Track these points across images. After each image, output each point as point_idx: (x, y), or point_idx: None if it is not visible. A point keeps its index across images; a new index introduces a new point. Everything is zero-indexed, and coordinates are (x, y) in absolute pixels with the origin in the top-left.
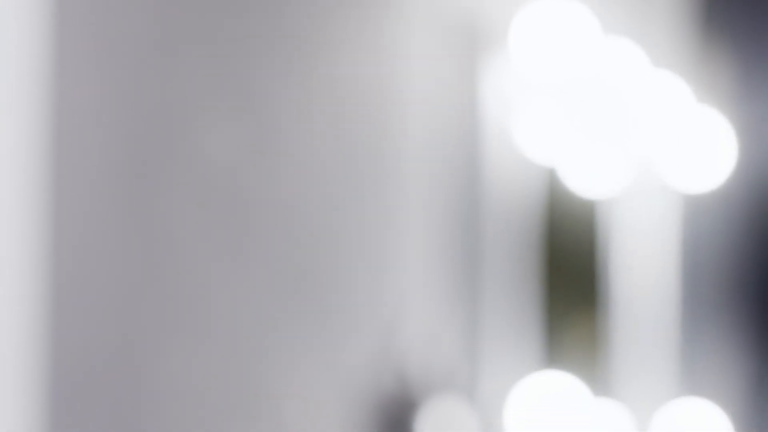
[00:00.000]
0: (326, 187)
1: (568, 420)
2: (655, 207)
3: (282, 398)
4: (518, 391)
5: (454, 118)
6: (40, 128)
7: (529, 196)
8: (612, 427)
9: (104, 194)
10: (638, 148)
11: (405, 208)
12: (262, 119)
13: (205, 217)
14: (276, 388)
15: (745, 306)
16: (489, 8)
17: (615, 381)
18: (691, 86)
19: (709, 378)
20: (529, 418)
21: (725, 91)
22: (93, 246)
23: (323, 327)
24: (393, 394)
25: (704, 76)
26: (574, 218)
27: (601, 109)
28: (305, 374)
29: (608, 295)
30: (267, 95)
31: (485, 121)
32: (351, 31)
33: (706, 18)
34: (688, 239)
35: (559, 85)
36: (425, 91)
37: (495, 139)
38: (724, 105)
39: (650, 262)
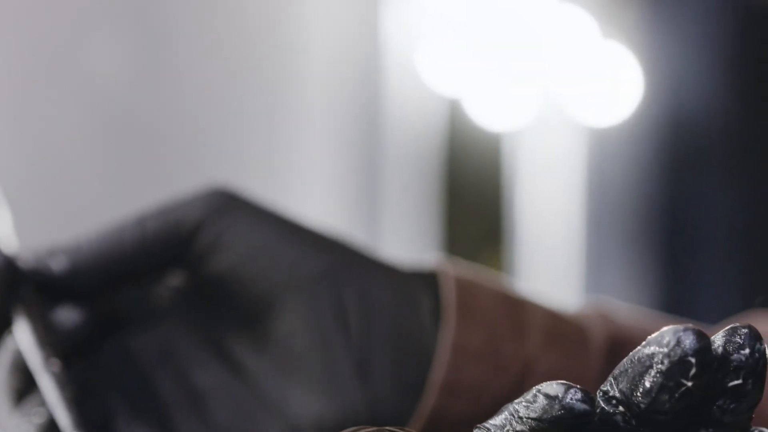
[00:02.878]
0: (226, 112)
1: None
2: (561, 140)
3: None
4: None
5: (357, 49)
6: None
7: (432, 128)
8: None
9: None
10: (544, 82)
11: (306, 138)
12: (156, 39)
13: (96, 139)
14: None
15: (649, 240)
16: None
17: None
18: (597, 21)
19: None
20: None
21: (632, 27)
22: None
23: None
24: None
25: (611, 11)
26: (478, 151)
27: (506, 42)
28: None
29: (512, 229)
30: (163, 13)
31: (388, 51)
32: None
33: None
34: (593, 173)
35: (463, 17)
36: (328, 19)
37: (397, 71)
38: (631, 40)
39: (555, 195)
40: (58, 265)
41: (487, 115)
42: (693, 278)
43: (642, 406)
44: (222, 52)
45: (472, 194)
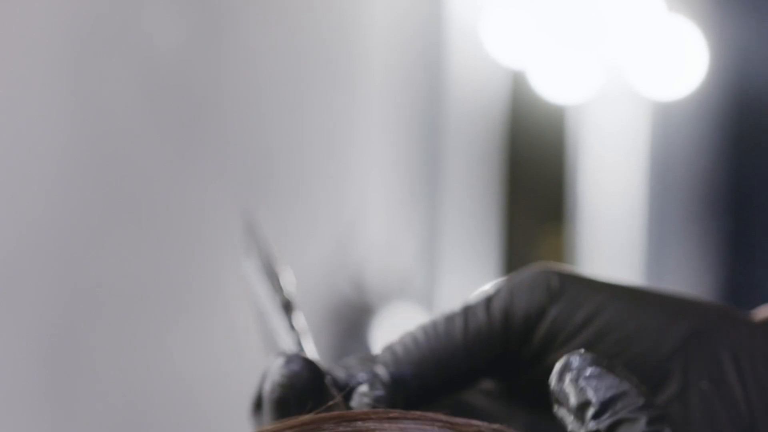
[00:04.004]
0: (284, 80)
1: None
2: (625, 114)
3: (237, 299)
4: None
5: (420, 18)
6: None
7: (495, 100)
8: None
9: (45, 80)
10: (609, 55)
11: (367, 112)
12: (213, 3)
13: (152, 108)
14: (231, 290)
15: (713, 217)
16: None
17: None
18: None
19: (677, 289)
20: None
21: (697, 0)
22: (31, 134)
23: (280, 230)
24: (350, 299)
25: None
26: (541, 124)
27: (572, 14)
28: None
29: (575, 203)
30: None
31: (452, 21)
32: None
33: None
34: (656, 148)
35: None
36: None
37: (461, 41)
38: (696, 13)
39: (618, 169)
40: (383, 378)
41: (551, 87)
42: (758, 258)
43: None
44: (281, 19)
45: (534, 167)
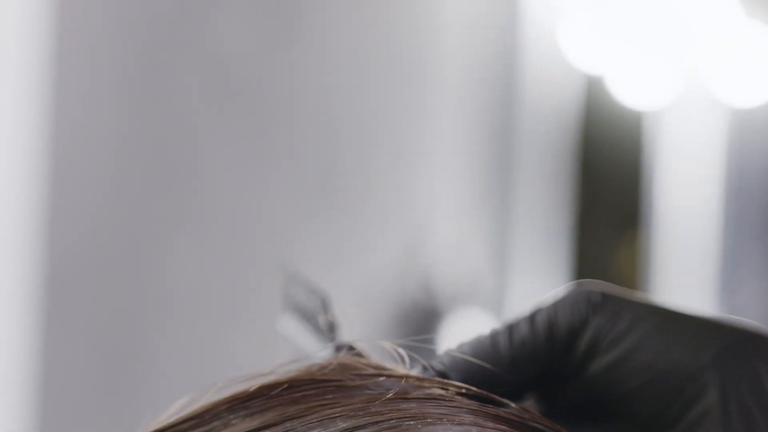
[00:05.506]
0: (356, 85)
1: None
2: (703, 121)
3: None
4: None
5: (495, 21)
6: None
7: (571, 106)
8: None
9: (114, 81)
10: (687, 60)
11: (440, 114)
12: (282, 7)
13: (221, 110)
14: None
15: None
16: None
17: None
18: (742, 1)
19: (750, 300)
20: None
21: None
22: (98, 135)
23: (349, 232)
24: (417, 302)
25: None
26: (616, 130)
27: (650, 19)
28: (330, 279)
29: (650, 209)
30: None
31: (528, 24)
32: None
33: None
34: (734, 154)
35: None
36: None
37: (537, 44)
38: None
39: (695, 177)
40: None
41: (629, 93)
42: None
43: None
44: (355, 21)
45: (609, 173)
